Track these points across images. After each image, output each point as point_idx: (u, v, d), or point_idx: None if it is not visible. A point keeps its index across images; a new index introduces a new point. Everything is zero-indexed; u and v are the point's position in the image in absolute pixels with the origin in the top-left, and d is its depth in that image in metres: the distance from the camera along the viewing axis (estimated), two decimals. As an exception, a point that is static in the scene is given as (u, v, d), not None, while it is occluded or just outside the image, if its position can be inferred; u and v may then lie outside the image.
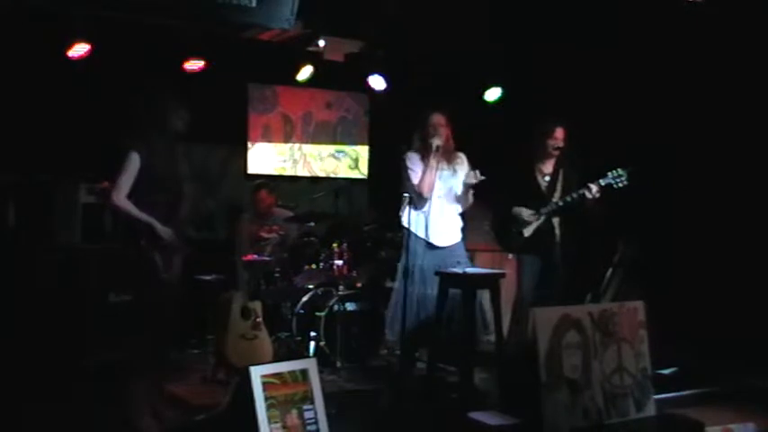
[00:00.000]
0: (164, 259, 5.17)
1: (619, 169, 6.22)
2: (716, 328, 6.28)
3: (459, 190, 6.35)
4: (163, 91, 5.43)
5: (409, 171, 6.34)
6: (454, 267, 6.15)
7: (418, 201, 6.32)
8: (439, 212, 6.32)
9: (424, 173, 6.26)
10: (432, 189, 6.27)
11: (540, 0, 6.79)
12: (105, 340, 6.47)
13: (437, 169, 6.25)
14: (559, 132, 6.51)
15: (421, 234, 6.31)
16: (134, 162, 5.11)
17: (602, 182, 6.23)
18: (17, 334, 6.39)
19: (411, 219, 6.30)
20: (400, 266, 6.36)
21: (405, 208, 6.36)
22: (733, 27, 6.31)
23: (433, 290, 6.19)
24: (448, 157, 6.35)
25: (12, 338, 6.33)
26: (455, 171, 6.39)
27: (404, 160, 6.39)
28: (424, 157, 6.31)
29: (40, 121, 7.35)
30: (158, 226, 5.11)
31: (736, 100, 6.49)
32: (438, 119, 6.32)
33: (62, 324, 6.64)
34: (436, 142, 6.22)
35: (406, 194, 6.33)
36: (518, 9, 6.97)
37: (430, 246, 6.33)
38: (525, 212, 6.48)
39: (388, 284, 7.60)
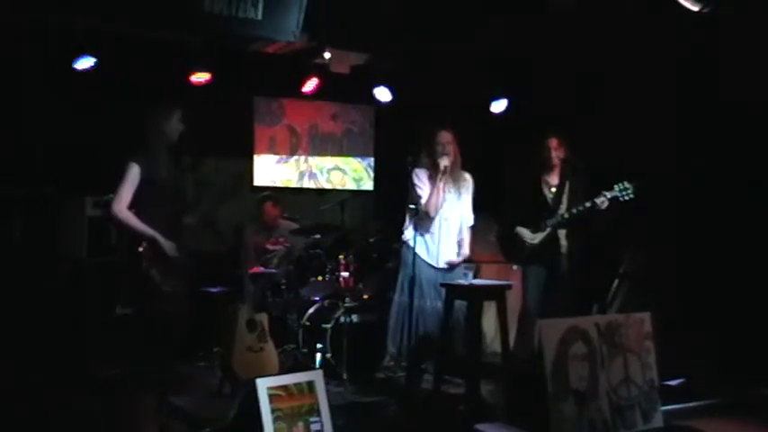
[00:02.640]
0: (165, 273, 5.15)
1: (625, 182, 6.22)
2: (723, 338, 6.26)
3: (463, 215, 6.38)
4: (163, 103, 5.45)
5: (416, 188, 6.32)
6: (460, 279, 6.17)
7: (423, 219, 6.31)
8: (443, 234, 6.33)
9: (431, 193, 6.24)
10: (438, 210, 6.25)
11: (544, 13, 6.78)
12: (111, 353, 6.48)
13: (444, 191, 6.25)
14: (553, 142, 6.52)
15: (422, 254, 6.32)
16: (134, 173, 5.12)
17: (609, 195, 6.23)
18: (23, 346, 6.40)
19: (414, 236, 6.28)
20: (399, 279, 6.41)
21: (409, 222, 6.37)
22: (736, 36, 6.32)
23: (431, 302, 6.23)
24: (454, 176, 6.33)
25: (18, 351, 6.34)
26: (460, 194, 6.38)
27: (411, 175, 6.37)
28: (432, 175, 6.29)
29: (47, 133, 7.38)
30: (161, 240, 5.10)
31: (739, 108, 6.49)
32: (446, 137, 6.30)
33: (68, 336, 6.65)
34: (444, 162, 6.20)
35: (412, 206, 6.34)
36: (522, 18, 6.97)
37: (429, 265, 6.35)
38: (527, 234, 6.49)
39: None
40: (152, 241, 5.08)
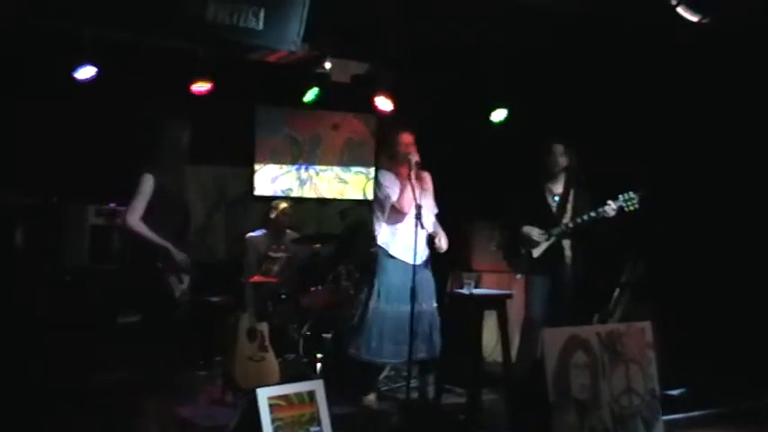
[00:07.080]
0: (177, 281, 5.20)
1: (630, 192, 6.21)
2: (724, 347, 6.26)
3: (430, 209, 6.40)
4: (176, 113, 5.48)
5: (386, 189, 6.34)
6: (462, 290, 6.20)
7: (395, 218, 6.32)
8: (411, 231, 6.26)
9: (403, 190, 6.24)
10: (411, 205, 6.15)
11: (546, 18, 6.80)
12: (113, 361, 6.47)
13: (416, 187, 6.21)
14: (557, 149, 6.51)
15: (394, 252, 6.32)
16: (148, 184, 5.13)
17: (614, 204, 6.21)
18: (25, 354, 6.39)
19: (385, 237, 6.35)
20: (375, 286, 6.37)
21: (377, 226, 6.41)
22: (738, 48, 6.33)
23: (406, 306, 6.09)
24: (417, 175, 6.34)
25: (20, 359, 6.33)
26: (423, 190, 6.36)
27: (377, 179, 6.50)
28: (398, 175, 6.32)
29: (49, 142, 7.39)
30: (173, 250, 5.14)
31: (741, 118, 6.51)
32: (408, 138, 6.35)
33: (70, 345, 6.64)
34: (415, 158, 6.22)
35: (377, 213, 6.40)
36: (524, 27, 6.98)
37: (402, 263, 6.29)
38: (535, 232, 6.45)
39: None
40: (165, 252, 5.11)
